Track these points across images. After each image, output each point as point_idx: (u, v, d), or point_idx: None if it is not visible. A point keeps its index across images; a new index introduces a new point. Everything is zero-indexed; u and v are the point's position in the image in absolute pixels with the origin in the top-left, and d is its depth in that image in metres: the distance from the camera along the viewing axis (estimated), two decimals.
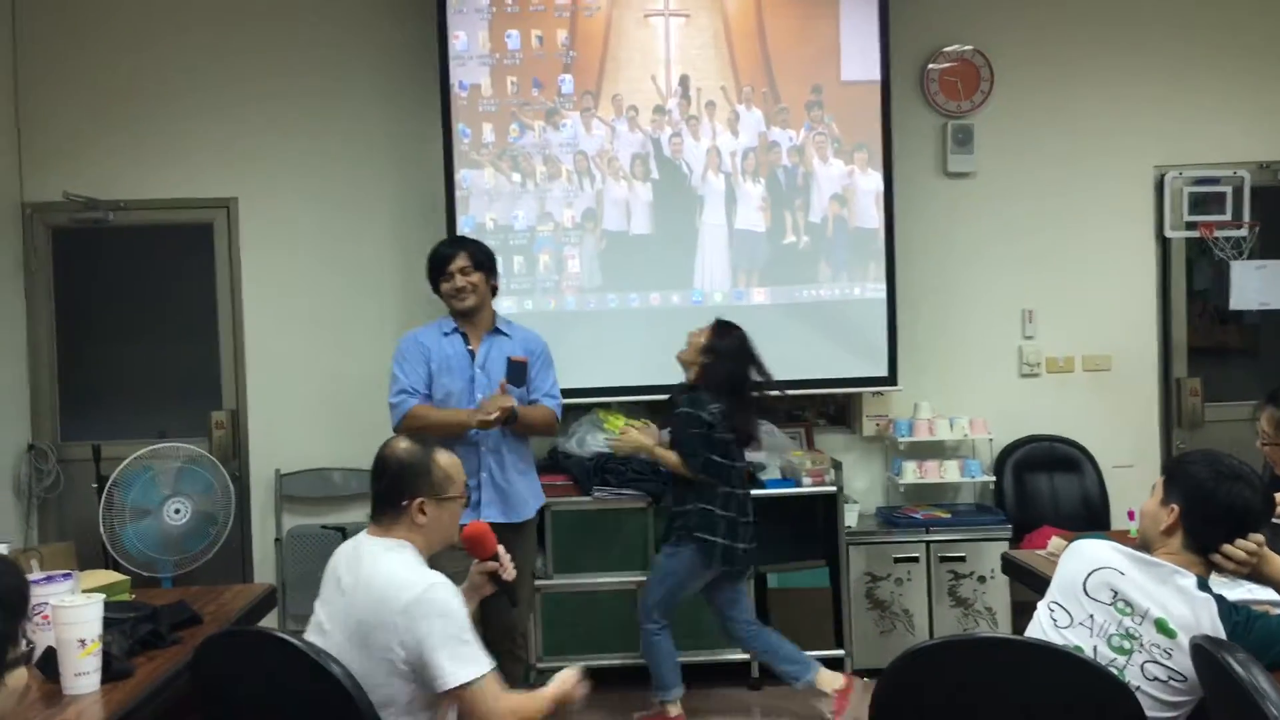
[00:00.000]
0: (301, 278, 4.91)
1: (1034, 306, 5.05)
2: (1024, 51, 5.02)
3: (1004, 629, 4.45)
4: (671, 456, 3.92)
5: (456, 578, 2.33)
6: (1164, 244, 5.08)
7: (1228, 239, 4.96)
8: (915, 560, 4.58)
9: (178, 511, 4.36)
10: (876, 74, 4.72)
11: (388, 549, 2.29)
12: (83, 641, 2.26)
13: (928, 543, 4.59)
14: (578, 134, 4.69)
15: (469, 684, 2.16)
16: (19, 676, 1.49)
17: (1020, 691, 2.07)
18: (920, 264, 4.94)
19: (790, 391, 4.76)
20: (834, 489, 4.52)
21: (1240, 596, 2.34)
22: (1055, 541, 3.27)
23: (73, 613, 2.26)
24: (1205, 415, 5.06)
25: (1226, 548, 2.23)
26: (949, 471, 4.78)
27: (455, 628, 2.18)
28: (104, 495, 4.32)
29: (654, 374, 4.43)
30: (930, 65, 4.99)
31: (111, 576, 2.99)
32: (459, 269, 3.69)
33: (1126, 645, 2.18)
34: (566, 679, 2.35)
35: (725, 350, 3.96)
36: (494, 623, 3.44)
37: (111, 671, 2.33)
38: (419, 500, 2.32)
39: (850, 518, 4.60)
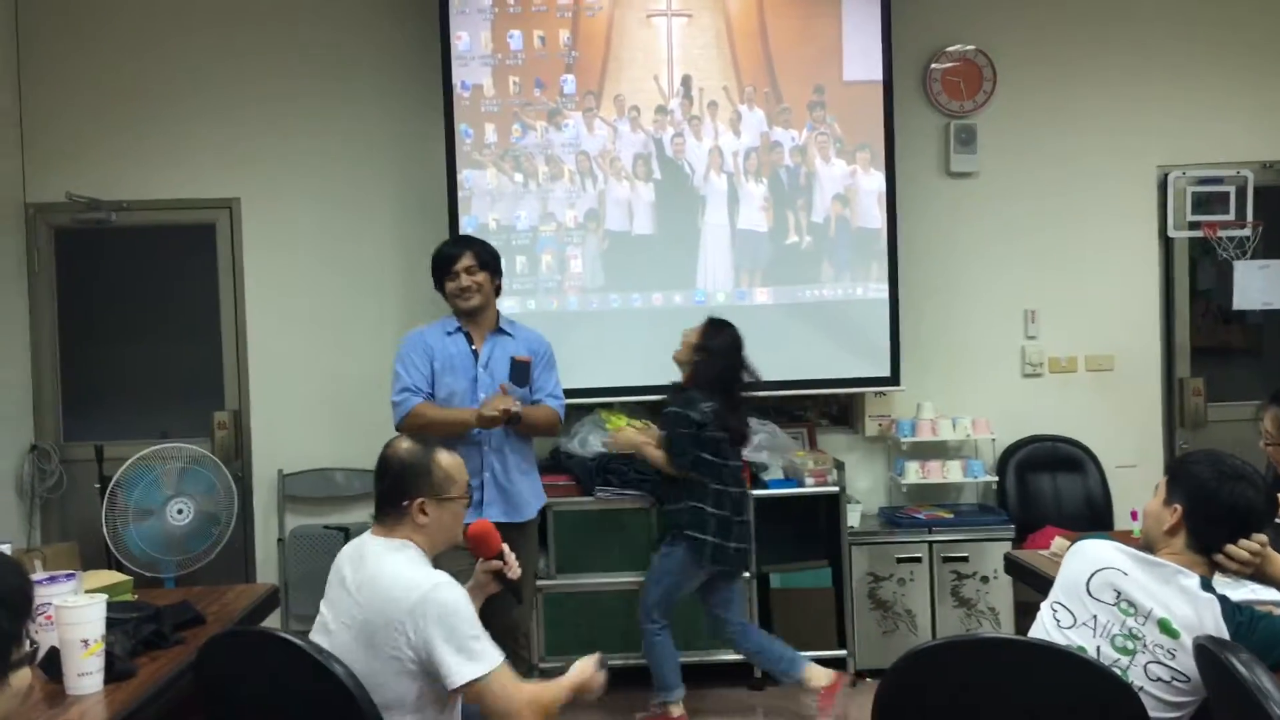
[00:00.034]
0: (304, 278, 4.92)
1: (1037, 306, 5.05)
2: (1027, 51, 5.02)
3: (1007, 629, 4.45)
4: (658, 454, 3.93)
5: (459, 577, 2.32)
6: (1167, 244, 5.08)
7: (1231, 239, 4.96)
8: (918, 560, 4.58)
9: (180, 512, 4.36)
10: (879, 74, 4.72)
11: (391, 549, 2.30)
12: (86, 642, 2.26)
13: (930, 543, 4.59)
14: (580, 134, 4.69)
15: (481, 678, 2.17)
16: (23, 677, 1.49)
17: (1023, 692, 2.07)
18: (923, 264, 4.94)
19: (793, 392, 4.80)
20: (836, 489, 4.52)
21: (1243, 597, 2.34)
22: (1058, 542, 3.26)
23: (76, 613, 2.26)
24: (1208, 415, 5.06)
25: (1229, 548, 2.23)
26: (952, 472, 4.77)
27: (463, 624, 2.19)
28: (107, 495, 4.32)
29: (656, 374, 4.42)
30: (933, 65, 4.98)
31: (114, 577, 2.99)
32: (464, 268, 3.68)
33: (1130, 646, 2.18)
34: (585, 667, 2.36)
35: (717, 348, 3.97)
36: (497, 622, 3.41)
37: (114, 672, 2.33)
38: (419, 500, 2.32)
39: (853, 518, 4.59)
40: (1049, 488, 4.89)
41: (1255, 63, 5.05)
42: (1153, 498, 2.35)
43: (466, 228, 4.58)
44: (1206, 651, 1.97)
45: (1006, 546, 4.42)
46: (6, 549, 2.43)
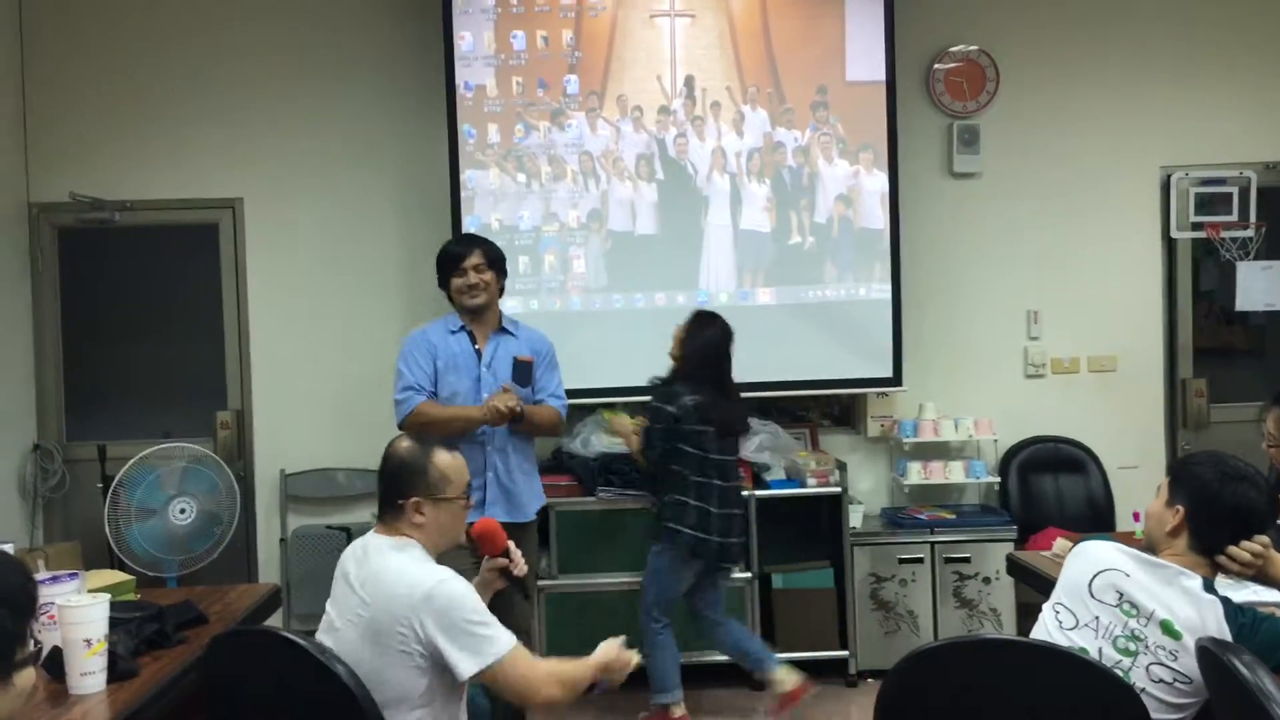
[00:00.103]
0: (306, 278, 4.92)
1: (1039, 307, 5.05)
2: (1030, 52, 5.01)
3: (1009, 630, 4.44)
4: (635, 446, 3.98)
5: (463, 575, 2.33)
6: (1170, 244, 5.07)
7: (1234, 239, 4.95)
8: (920, 561, 4.57)
9: (183, 511, 4.36)
10: (882, 74, 4.72)
11: (395, 547, 2.30)
12: (88, 641, 2.26)
13: (932, 544, 4.58)
14: (583, 134, 4.70)
15: (494, 664, 2.18)
16: (27, 677, 1.49)
17: (1025, 693, 2.07)
18: (925, 264, 4.94)
19: (795, 392, 4.80)
20: (838, 490, 4.52)
21: (1246, 598, 2.34)
22: (1060, 543, 3.26)
23: (78, 612, 2.27)
24: (1211, 416, 5.05)
25: (1232, 549, 2.23)
26: (954, 472, 4.77)
27: (471, 614, 2.20)
28: (109, 495, 4.33)
29: (659, 375, 4.42)
30: (936, 65, 4.98)
31: (117, 576, 3.00)
32: (473, 266, 3.68)
33: (1132, 647, 2.18)
34: (610, 648, 2.36)
35: (702, 341, 3.97)
36: (504, 621, 3.43)
37: (117, 671, 2.34)
38: (414, 500, 2.32)
39: (855, 519, 4.59)
40: (1051, 489, 4.89)
41: (1259, 63, 5.05)
42: (1155, 499, 2.35)
43: (469, 228, 4.58)
44: (1209, 653, 1.97)
45: (1008, 547, 4.41)
46: (9, 549, 2.44)
